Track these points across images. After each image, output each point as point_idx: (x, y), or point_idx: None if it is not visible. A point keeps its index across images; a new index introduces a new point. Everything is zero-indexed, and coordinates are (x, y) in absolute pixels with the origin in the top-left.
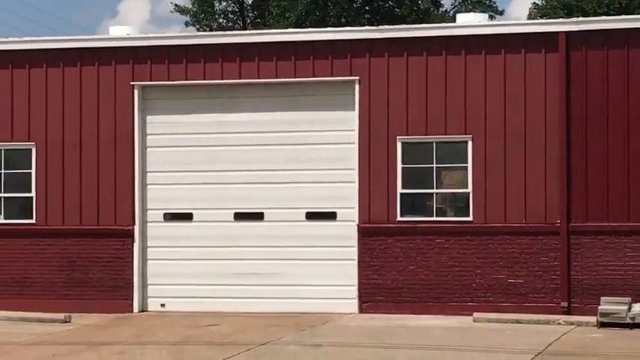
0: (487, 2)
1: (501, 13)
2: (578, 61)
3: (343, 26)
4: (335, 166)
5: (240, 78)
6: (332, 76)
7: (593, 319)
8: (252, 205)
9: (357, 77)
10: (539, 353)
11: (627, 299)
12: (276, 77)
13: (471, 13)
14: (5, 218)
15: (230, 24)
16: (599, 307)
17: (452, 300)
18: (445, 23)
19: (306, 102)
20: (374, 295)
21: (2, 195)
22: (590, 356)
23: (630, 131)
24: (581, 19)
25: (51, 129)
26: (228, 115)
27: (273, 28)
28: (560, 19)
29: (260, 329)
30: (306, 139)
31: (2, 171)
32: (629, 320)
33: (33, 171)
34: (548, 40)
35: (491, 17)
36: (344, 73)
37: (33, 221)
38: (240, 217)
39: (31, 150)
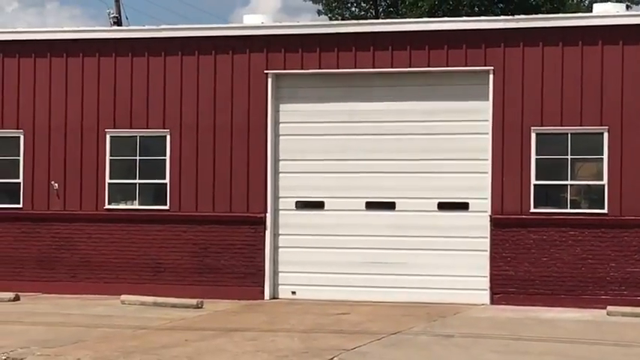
0: None
1: (638, 3)
2: None
3: (476, 15)
4: (468, 157)
5: (373, 67)
6: (466, 65)
7: None
8: (384, 195)
9: (492, 67)
10: None
11: None
12: (410, 67)
13: (609, 3)
14: (140, 204)
15: (362, 13)
16: None
17: (585, 293)
18: (581, 13)
19: (439, 92)
20: (505, 286)
21: (138, 181)
22: None
23: None
24: None
25: (185, 116)
26: (360, 104)
27: (406, 17)
28: None
29: (390, 318)
30: (438, 128)
31: (138, 157)
32: None
33: (167, 158)
34: None
35: (628, 7)
36: (478, 62)
37: (166, 207)
38: (371, 206)
39: (165, 137)
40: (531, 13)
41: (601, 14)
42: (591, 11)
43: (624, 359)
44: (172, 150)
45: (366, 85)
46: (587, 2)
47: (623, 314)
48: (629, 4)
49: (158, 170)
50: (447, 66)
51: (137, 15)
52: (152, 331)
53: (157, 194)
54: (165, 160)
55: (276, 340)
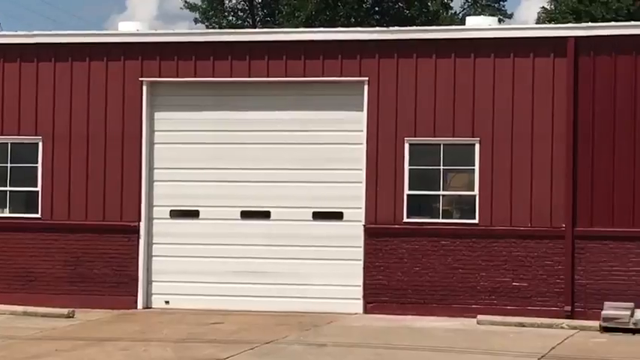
0: (496, 5)
1: (510, 16)
2: (587, 66)
3: (353, 26)
4: (343, 166)
5: (249, 76)
6: (341, 76)
7: (596, 323)
8: (259, 204)
9: (367, 78)
10: (542, 357)
11: (630, 304)
12: (286, 76)
13: (481, 16)
14: (11, 212)
15: (239, 22)
16: (603, 311)
17: (456, 302)
18: (454, 26)
19: (314, 101)
20: (379, 295)
21: (9, 189)
22: None
23: (637, 137)
24: (590, 24)
25: (58, 123)
26: (236, 113)
27: (283, 27)
28: (570, 24)
29: (265, 328)
30: (314, 138)
31: (9, 165)
32: (632, 325)
33: (39, 165)
34: (557, 44)
35: (500, 20)
36: (353, 73)
37: (38, 216)
38: (246, 215)
39: (37, 144)
40: (406, 26)
41: (473, 27)
42: (464, 24)
43: None
44: (44, 157)
45: (242, 94)
46: (460, 15)
47: (493, 323)
48: (501, 17)
49: (30, 178)
50: (323, 76)
51: (10, 21)
52: (22, 340)
53: (28, 202)
54: (37, 167)
55: (149, 350)
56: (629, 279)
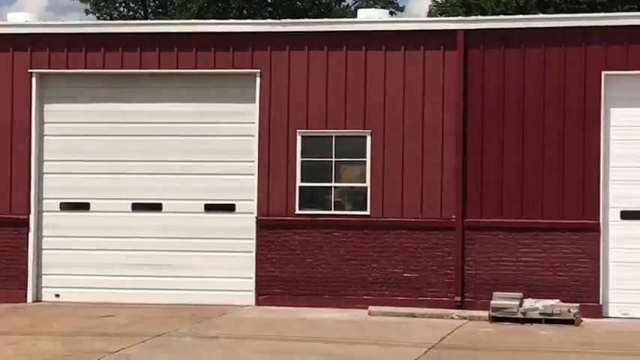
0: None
1: (402, 9)
2: (476, 59)
3: (245, 18)
4: (235, 159)
5: (140, 68)
6: (233, 68)
7: (485, 313)
8: (151, 196)
9: (259, 70)
10: (432, 347)
11: (519, 294)
12: (177, 68)
13: (372, 9)
14: None
15: (131, 13)
16: (492, 301)
17: (348, 293)
18: (346, 18)
19: (206, 93)
20: (271, 287)
21: None
22: (481, 350)
23: (525, 129)
24: (479, 17)
25: None
26: (128, 105)
27: (175, 19)
28: (459, 18)
29: (156, 321)
30: (206, 130)
31: None
32: (520, 315)
33: None
34: (446, 37)
35: (391, 13)
36: (245, 65)
37: None
38: (138, 207)
39: None
40: (298, 18)
41: (365, 20)
42: (356, 17)
43: (385, 357)
44: None
45: (133, 85)
46: (353, 8)
47: (384, 314)
48: (392, 10)
49: None
50: (215, 68)
51: None
52: None
53: None
54: None
55: (38, 344)
56: (518, 269)
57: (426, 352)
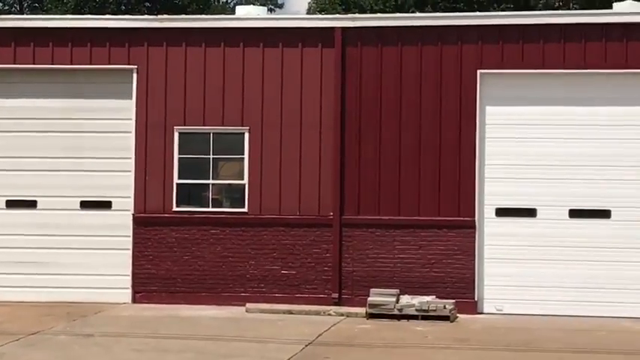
0: None
1: (281, 6)
2: (354, 57)
3: (123, 14)
4: (111, 155)
5: (14, 63)
6: (109, 64)
7: (362, 310)
8: (25, 193)
9: (135, 66)
10: (309, 344)
11: (396, 291)
12: (52, 63)
13: (251, 6)
14: None
15: (6, 7)
16: (369, 298)
17: (225, 290)
18: (225, 15)
19: (83, 89)
20: (147, 285)
21: None
22: (357, 346)
23: (402, 127)
24: (356, 15)
25: None
26: (2, 101)
27: (51, 13)
28: (337, 15)
29: (30, 319)
30: (82, 126)
31: None
32: (396, 311)
33: None
34: (324, 35)
35: (270, 10)
36: (122, 61)
37: None
38: (12, 204)
39: None
40: (177, 14)
41: (243, 17)
42: (235, 14)
43: (261, 354)
44: None
45: (7, 81)
46: (232, 4)
47: (261, 311)
48: (272, 7)
49: None
50: (91, 64)
51: None
52: None
53: None
54: None
55: None
56: (395, 266)
57: (303, 348)
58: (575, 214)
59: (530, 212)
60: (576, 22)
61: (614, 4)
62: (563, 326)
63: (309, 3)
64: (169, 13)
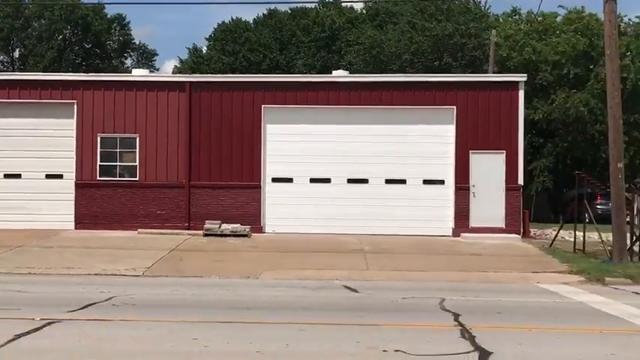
0: (150, 63)
1: (158, 69)
2: (196, 97)
3: (72, 71)
4: (63, 148)
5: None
6: (61, 99)
7: (201, 232)
8: (13, 169)
9: (75, 100)
10: (172, 249)
11: (219, 222)
12: (28, 99)
13: (140, 69)
14: None
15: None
16: (204, 226)
17: (127, 222)
18: (126, 74)
19: (46, 113)
20: (83, 219)
21: None
22: (200, 251)
23: (223, 135)
24: (197, 75)
25: None
26: None
27: (33, 66)
28: (187, 75)
29: (19, 239)
30: (47, 133)
31: None
32: (219, 232)
33: None
34: (180, 85)
35: (151, 71)
36: (68, 97)
37: None
38: (5, 176)
39: None
40: (100, 72)
41: (136, 75)
42: (131, 72)
43: (146, 254)
44: None
45: None
46: (131, 68)
47: (147, 233)
48: (152, 69)
49: None
50: (51, 99)
51: None
52: None
53: None
54: None
55: None
56: (218, 208)
57: (170, 251)
58: (313, 180)
59: (289, 180)
60: (314, 80)
61: (333, 72)
62: (309, 238)
63: (173, 68)
64: (95, 72)
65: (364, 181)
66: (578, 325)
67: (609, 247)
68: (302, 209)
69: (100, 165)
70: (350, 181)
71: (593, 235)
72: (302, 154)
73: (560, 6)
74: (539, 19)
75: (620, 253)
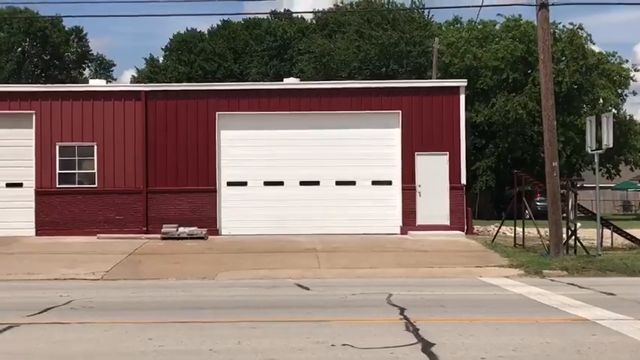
0: (109, 73)
1: (115, 79)
2: (152, 105)
3: (31, 81)
4: (23, 158)
5: None
6: (19, 110)
7: (159, 236)
8: None
9: (34, 111)
10: (130, 253)
11: (176, 225)
12: None
13: (97, 80)
14: None
15: None
16: (162, 229)
17: (86, 228)
18: (84, 84)
19: (5, 124)
20: (43, 226)
21: None
22: (157, 254)
23: (179, 142)
24: (153, 84)
25: None
26: None
27: None
28: (143, 84)
29: None
30: (7, 142)
31: None
32: (177, 235)
33: None
34: (136, 94)
35: (108, 81)
36: (27, 108)
37: None
38: None
39: None
40: (59, 83)
41: (93, 85)
42: (89, 82)
43: (105, 257)
44: None
45: None
46: (89, 78)
47: (105, 238)
48: (109, 79)
49: None
50: (10, 110)
51: None
52: None
53: None
54: None
55: None
56: (176, 212)
57: (128, 255)
58: (266, 183)
59: (244, 183)
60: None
61: (285, 79)
62: (264, 239)
63: (131, 77)
64: (54, 82)
65: (316, 183)
66: (516, 316)
67: (547, 242)
68: (257, 211)
69: (59, 173)
70: (302, 183)
71: (532, 231)
72: (256, 158)
73: (498, 14)
74: (479, 26)
75: (557, 247)
